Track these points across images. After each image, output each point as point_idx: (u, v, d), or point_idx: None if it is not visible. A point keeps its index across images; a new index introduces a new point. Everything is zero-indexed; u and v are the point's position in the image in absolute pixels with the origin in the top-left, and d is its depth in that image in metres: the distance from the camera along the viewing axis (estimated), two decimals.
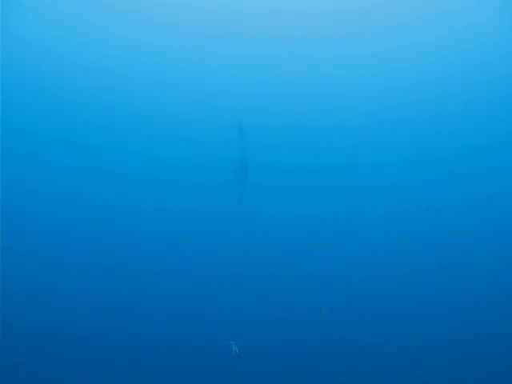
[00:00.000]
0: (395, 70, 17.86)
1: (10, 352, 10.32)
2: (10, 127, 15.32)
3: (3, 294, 11.24)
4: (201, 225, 14.24)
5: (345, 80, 17.76)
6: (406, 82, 17.78)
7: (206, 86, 17.75)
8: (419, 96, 17.54)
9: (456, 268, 13.50)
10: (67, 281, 12.33)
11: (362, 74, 17.78)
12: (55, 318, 11.44)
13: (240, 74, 17.94)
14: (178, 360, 11.00)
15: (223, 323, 11.77)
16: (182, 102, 17.78)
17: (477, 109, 17.11)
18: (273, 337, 11.79)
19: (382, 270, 13.53)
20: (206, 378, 10.74)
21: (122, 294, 12.28)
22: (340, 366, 11.33)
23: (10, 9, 17.25)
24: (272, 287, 12.89)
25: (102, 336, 11.30)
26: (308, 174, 16.15)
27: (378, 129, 17.09)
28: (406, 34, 17.92)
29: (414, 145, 16.82)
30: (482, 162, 16.12)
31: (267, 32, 18.00)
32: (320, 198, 15.46)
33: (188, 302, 12.44)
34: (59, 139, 16.16)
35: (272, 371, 10.99)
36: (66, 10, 18.07)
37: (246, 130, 14.83)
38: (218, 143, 15.96)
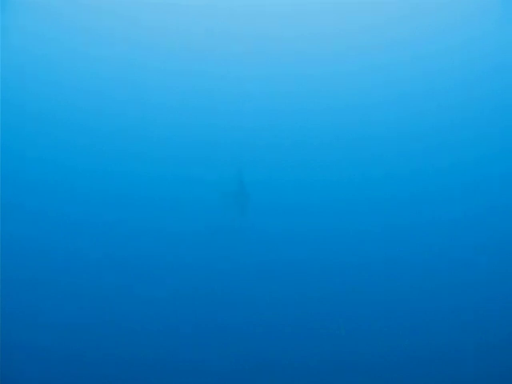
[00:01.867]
0: (398, 82, 17.82)
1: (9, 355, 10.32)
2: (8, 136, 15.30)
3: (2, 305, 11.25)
4: (201, 242, 14.18)
5: (344, 94, 17.74)
6: (410, 93, 17.74)
7: (203, 104, 17.68)
8: (422, 107, 17.49)
9: (465, 281, 13.45)
10: (61, 301, 12.30)
11: (363, 87, 17.75)
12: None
13: (239, 92, 17.90)
14: (172, 376, 10.93)
15: (222, 339, 11.72)
16: (179, 120, 17.70)
17: (485, 118, 17.00)
18: (274, 352, 11.69)
19: (390, 285, 13.45)
20: None
21: (120, 309, 12.25)
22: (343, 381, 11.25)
23: (8, 17, 17.17)
24: (275, 303, 12.82)
25: (97, 354, 11.26)
26: (310, 189, 16.07)
27: (379, 141, 17.02)
28: (409, 45, 17.89)
29: (418, 156, 16.76)
30: (491, 173, 16.02)
31: (266, 49, 18.00)
32: (322, 213, 15.39)
33: (187, 318, 12.38)
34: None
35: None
36: (64, 16, 18.02)
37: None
38: (216, 160, 15.91)
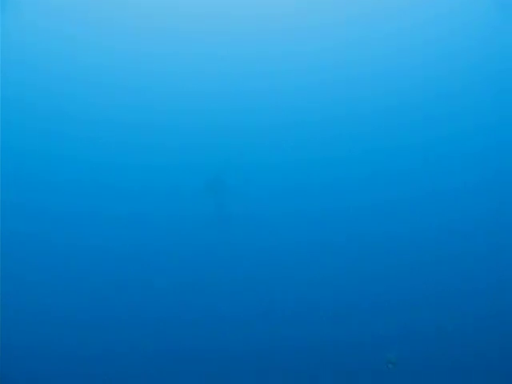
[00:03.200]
0: (379, 58, 17.62)
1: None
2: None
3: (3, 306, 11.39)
4: (196, 230, 14.21)
5: (329, 71, 17.56)
6: (392, 71, 17.55)
7: (190, 89, 17.59)
8: (406, 84, 17.29)
9: (458, 261, 13.35)
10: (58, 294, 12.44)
11: (347, 64, 17.56)
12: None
13: (226, 72, 17.78)
14: (164, 367, 11.06)
15: (211, 328, 11.80)
16: (162, 107, 17.63)
17: (468, 95, 16.77)
18: (266, 340, 11.75)
19: (378, 266, 13.40)
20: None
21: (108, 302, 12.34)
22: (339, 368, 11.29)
23: (8, 10, 17.24)
24: (264, 289, 12.84)
25: (94, 348, 11.41)
26: (294, 170, 15.96)
27: (363, 118, 16.83)
28: (406, 14, 17.69)
29: (402, 133, 16.59)
30: (480, 149, 15.84)
31: (259, 31, 17.86)
32: (308, 194, 15.30)
33: (176, 307, 12.46)
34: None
35: (268, 376, 10.99)
36: (64, 10, 18.06)
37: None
38: (197, 146, 15.93)
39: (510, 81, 16.55)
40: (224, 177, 14.58)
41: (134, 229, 14.17)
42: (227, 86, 17.27)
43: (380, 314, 12.31)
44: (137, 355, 11.13)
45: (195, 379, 10.67)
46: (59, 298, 12.14)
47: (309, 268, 13.29)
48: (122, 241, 13.78)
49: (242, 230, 13.91)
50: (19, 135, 16.16)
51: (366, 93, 17.12)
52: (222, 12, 17.95)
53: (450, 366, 10.99)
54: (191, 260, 13.41)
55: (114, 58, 18.17)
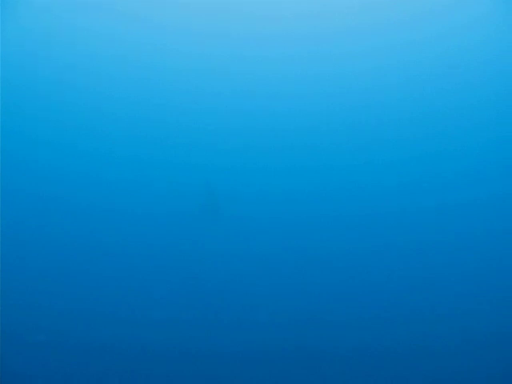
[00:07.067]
0: (394, 66, 17.53)
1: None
2: (8, 131, 15.40)
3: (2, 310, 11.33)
4: (184, 228, 14.16)
5: (339, 78, 17.51)
6: (406, 79, 17.45)
7: (197, 88, 17.57)
8: (419, 92, 17.19)
9: (464, 271, 13.22)
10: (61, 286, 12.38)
11: (358, 72, 17.47)
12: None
13: (229, 72, 17.76)
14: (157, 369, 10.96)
15: (207, 330, 11.71)
16: (170, 105, 17.61)
17: (486, 104, 16.62)
18: (263, 345, 11.61)
19: (379, 275, 13.26)
20: None
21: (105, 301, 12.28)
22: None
23: (6, 13, 17.26)
24: (263, 292, 12.75)
25: (94, 348, 11.30)
26: (292, 174, 15.87)
27: (375, 127, 16.73)
28: (407, 30, 17.62)
29: (410, 144, 16.48)
30: (492, 161, 15.70)
31: (260, 32, 17.84)
32: (306, 199, 15.22)
33: (174, 308, 12.39)
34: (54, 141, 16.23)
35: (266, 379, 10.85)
36: (63, 13, 18.08)
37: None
38: (197, 146, 15.92)
39: None
40: (220, 178, 14.54)
41: (127, 226, 14.16)
42: (229, 86, 17.28)
43: (380, 325, 12.16)
44: (134, 353, 11.05)
45: (191, 380, 10.55)
46: (56, 294, 12.11)
47: (305, 273, 13.21)
48: (114, 237, 13.77)
49: (238, 233, 13.87)
50: (19, 135, 16.16)
51: (368, 97, 17.07)
52: (233, 11, 17.91)
53: None
54: (186, 259, 13.38)
55: (114, 58, 18.20)
